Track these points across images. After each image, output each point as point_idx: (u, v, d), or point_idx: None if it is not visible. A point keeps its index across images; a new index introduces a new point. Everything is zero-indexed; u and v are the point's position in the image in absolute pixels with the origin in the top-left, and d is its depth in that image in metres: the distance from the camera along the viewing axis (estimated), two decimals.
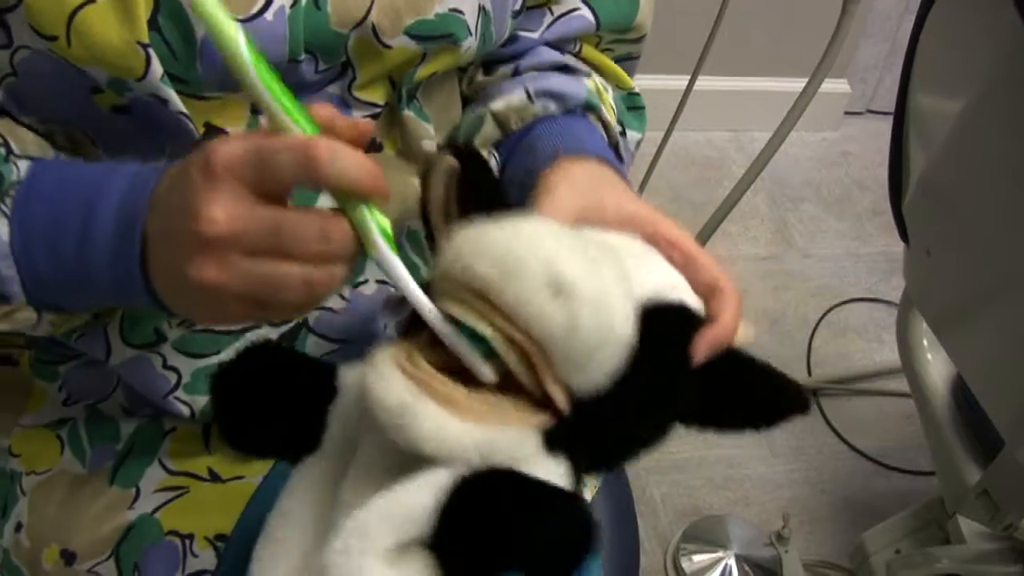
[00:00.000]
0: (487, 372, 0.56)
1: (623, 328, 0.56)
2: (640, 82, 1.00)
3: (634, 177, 1.83)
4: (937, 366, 1.43)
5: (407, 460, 0.55)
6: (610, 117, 0.89)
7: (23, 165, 0.66)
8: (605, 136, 0.89)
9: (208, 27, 0.53)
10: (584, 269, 0.54)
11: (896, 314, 1.50)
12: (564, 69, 0.90)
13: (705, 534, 1.79)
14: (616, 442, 0.60)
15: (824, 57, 1.38)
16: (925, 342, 1.44)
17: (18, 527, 0.83)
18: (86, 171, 0.66)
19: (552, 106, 0.87)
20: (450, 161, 0.64)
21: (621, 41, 0.95)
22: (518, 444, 0.56)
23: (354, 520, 0.53)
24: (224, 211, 0.55)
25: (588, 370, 0.56)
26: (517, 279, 0.53)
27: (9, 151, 0.67)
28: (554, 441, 0.57)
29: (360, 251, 0.58)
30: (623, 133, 0.94)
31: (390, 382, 0.54)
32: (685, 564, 1.75)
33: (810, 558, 1.80)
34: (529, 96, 0.87)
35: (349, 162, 0.54)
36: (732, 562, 1.75)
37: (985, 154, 1.04)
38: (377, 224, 0.57)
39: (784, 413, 0.64)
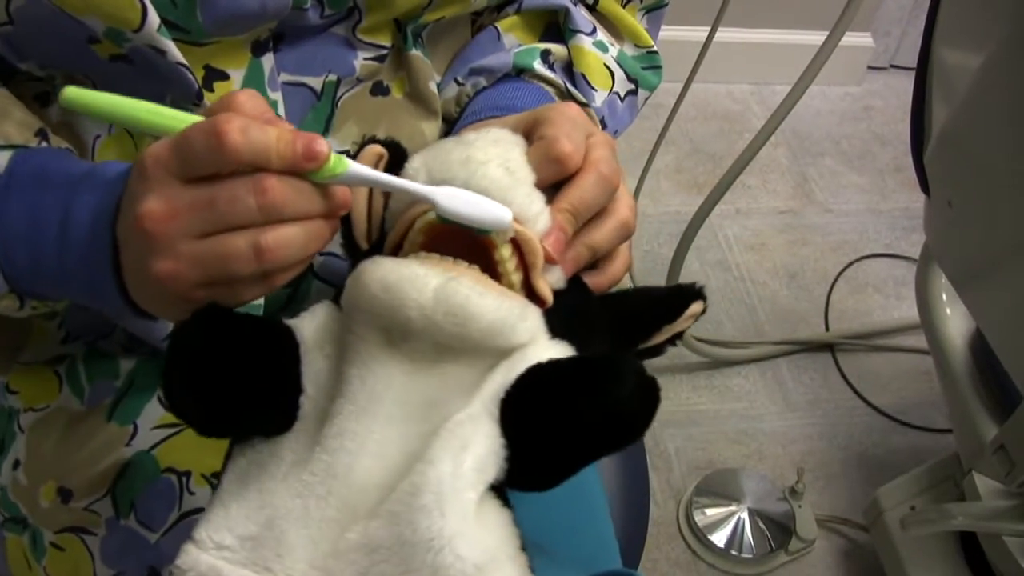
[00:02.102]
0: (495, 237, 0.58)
1: None
2: (660, 32, 0.98)
3: (653, 128, 1.81)
4: (955, 321, 1.42)
5: (415, 379, 0.56)
6: (551, 75, 0.88)
7: (3, 157, 0.66)
8: (551, 91, 0.88)
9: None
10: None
11: (915, 270, 1.49)
12: (554, 25, 0.89)
13: (718, 488, 1.78)
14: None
15: (846, 10, 1.36)
16: (944, 297, 1.43)
17: (16, 464, 0.83)
18: (62, 171, 0.66)
19: (482, 80, 0.87)
20: (377, 149, 0.64)
21: None
22: (538, 318, 0.58)
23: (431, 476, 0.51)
24: (158, 203, 0.54)
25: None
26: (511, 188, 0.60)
27: None
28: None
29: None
30: (634, 91, 0.92)
31: (423, 277, 0.55)
32: (698, 517, 1.74)
33: (823, 513, 1.79)
34: (458, 82, 0.87)
35: (258, 132, 0.53)
36: (745, 516, 1.74)
37: (1006, 108, 1.02)
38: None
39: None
